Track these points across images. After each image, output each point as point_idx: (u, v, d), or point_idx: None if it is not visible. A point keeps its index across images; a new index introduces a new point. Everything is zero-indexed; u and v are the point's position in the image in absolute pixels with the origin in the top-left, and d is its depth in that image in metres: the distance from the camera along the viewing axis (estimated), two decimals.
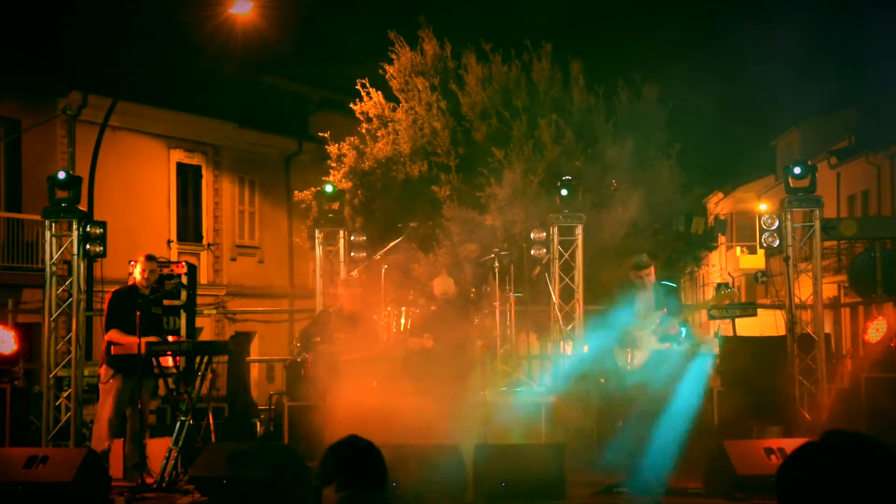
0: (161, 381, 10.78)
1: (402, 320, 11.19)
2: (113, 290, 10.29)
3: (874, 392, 11.02)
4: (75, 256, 10.84)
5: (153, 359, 9.60)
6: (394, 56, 17.76)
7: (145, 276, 10.11)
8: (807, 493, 2.14)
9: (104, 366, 10.02)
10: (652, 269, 9.45)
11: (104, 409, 9.93)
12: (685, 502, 8.80)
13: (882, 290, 15.23)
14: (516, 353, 13.62)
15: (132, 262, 10.64)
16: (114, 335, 9.89)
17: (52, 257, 10.98)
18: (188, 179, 24.22)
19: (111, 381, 9.87)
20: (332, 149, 17.87)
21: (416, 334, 10.90)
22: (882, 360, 11.41)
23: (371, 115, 17.76)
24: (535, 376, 13.51)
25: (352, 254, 13.50)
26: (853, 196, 31.62)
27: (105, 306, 10.32)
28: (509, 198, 16.05)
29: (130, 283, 10.23)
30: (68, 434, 10.70)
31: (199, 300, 14.27)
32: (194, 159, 24.29)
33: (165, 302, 11.66)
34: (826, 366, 11.20)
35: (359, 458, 3.55)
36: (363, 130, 17.87)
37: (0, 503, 8.51)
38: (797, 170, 11.38)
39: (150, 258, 10.32)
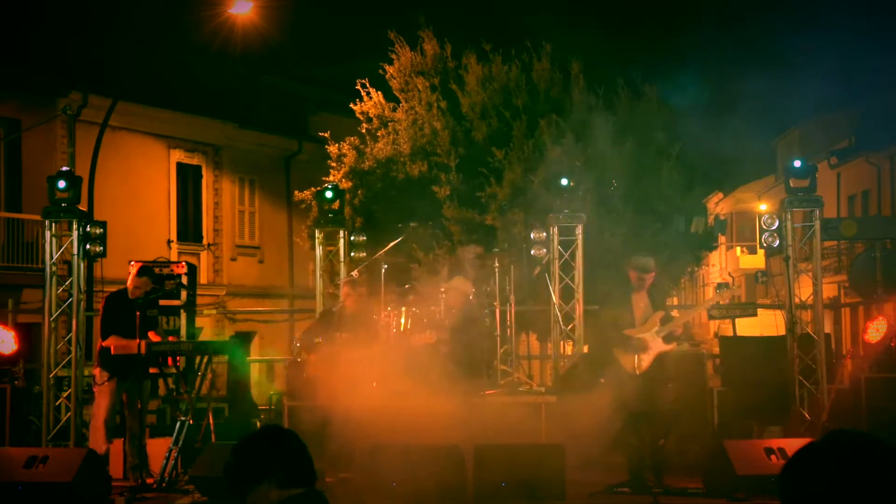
0: (161, 381, 10.76)
1: (402, 320, 11.17)
2: (107, 295, 10.26)
3: (874, 392, 11.00)
4: (75, 256, 10.82)
5: (150, 359, 9.59)
6: (394, 56, 17.76)
7: (130, 288, 10.07)
8: (811, 493, 2.13)
9: (97, 368, 9.99)
10: (653, 274, 9.39)
11: (99, 411, 9.91)
12: (685, 502, 8.81)
13: (882, 290, 15.20)
14: (516, 353, 13.60)
15: (132, 263, 10.62)
16: (113, 341, 9.85)
17: (52, 257, 10.96)
18: (188, 179, 24.20)
19: (106, 383, 9.85)
20: (332, 149, 17.88)
21: (419, 331, 10.88)
22: (882, 360, 11.38)
23: (371, 115, 17.77)
24: (535, 376, 13.50)
25: (352, 254, 13.50)
26: (853, 196, 31.61)
27: (100, 308, 10.31)
28: (509, 198, 16.03)
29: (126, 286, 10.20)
30: (68, 434, 10.69)
31: (199, 300, 14.28)
32: (194, 159, 24.28)
33: (165, 302, 11.66)
34: (826, 366, 11.18)
35: (303, 450, 3.21)
36: (363, 130, 17.88)
37: (0, 503, 8.50)
38: (797, 163, 11.36)
39: (142, 272, 10.16)
